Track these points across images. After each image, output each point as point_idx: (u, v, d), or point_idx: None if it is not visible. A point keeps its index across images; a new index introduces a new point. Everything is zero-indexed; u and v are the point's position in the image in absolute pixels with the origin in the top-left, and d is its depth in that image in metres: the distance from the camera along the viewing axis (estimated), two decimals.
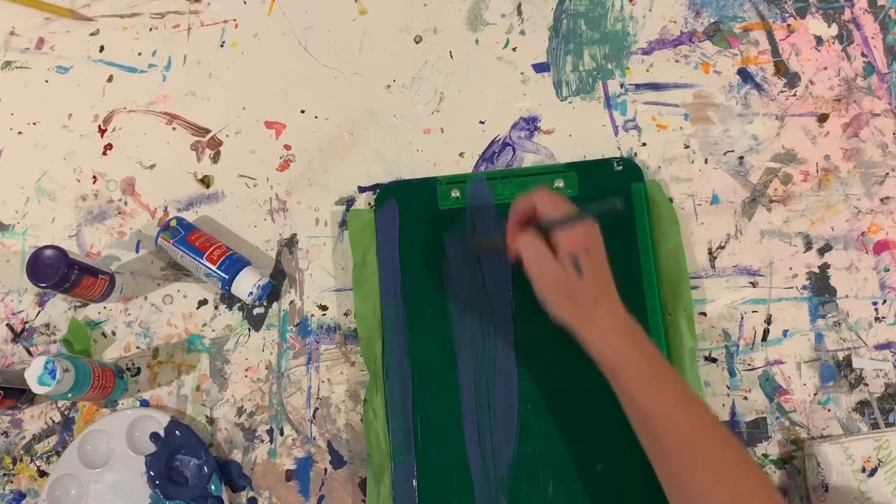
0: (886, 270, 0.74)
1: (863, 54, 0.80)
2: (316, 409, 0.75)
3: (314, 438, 0.75)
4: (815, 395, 0.72)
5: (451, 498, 0.70)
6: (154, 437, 0.74)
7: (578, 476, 0.69)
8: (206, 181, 0.82)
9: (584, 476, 0.69)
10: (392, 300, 0.74)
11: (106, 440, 0.74)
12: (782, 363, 0.73)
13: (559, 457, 0.70)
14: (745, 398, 0.72)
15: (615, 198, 0.61)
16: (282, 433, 0.75)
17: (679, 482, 0.59)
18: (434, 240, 0.76)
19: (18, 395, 0.75)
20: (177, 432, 0.73)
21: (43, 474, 0.76)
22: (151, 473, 0.73)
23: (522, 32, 0.84)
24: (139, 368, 0.78)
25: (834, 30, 0.81)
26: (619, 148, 0.79)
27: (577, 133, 0.80)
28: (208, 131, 0.84)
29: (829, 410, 0.71)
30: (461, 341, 0.73)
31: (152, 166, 0.83)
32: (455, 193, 0.77)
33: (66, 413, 0.77)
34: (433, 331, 0.73)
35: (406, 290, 0.75)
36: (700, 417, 0.61)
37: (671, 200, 0.77)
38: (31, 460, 0.76)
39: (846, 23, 0.81)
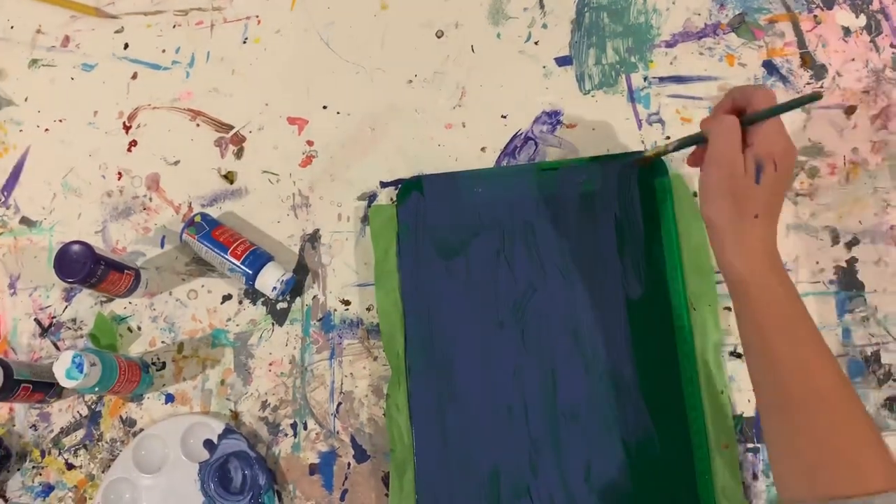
0: None
1: (892, 45, 0.79)
2: (339, 403, 0.75)
3: (337, 433, 0.75)
4: None
5: (476, 490, 0.70)
6: (207, 444, 0.74)
7: (614, 467, 0.69)
8: (229, 177, 0.83)
9: (620, 469, 0.69)
10: (414, 295, 0.75)
11: (161, 445, 0.75)
12: None
13: (592, 444, 0.70)
14: None
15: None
16: (305, 427, 0.75)
17: (794, 438, 0.56)
18: (456, 234, 0.75)
19: (47, 388, 0.76)
20: (231, 440, 0.74)
21: (71, 467, 0.77)
22: (204, 480, 0.73)
23: (544, 26, 0.83)
24: (164, 363, 0.78)
25: (862, 20, 0.80)
26: (642, 142, 0.79)
27: (601, 127, 0.80)
28: (232, 127, 0.84)
29: None
30: (484, 336, 0.73)
31: (176, 162, 0.84)
32: (478, 189, 0.76)
33: (92, 407, 0.78)
34: (455, 325, 0.73)
35: (428, 286, 0.75)
36: (835, 382, 0.56)
37: (695, 195, 0.76)
38: (59, 453, 0.77)
39: (874, 13, 0.80)
